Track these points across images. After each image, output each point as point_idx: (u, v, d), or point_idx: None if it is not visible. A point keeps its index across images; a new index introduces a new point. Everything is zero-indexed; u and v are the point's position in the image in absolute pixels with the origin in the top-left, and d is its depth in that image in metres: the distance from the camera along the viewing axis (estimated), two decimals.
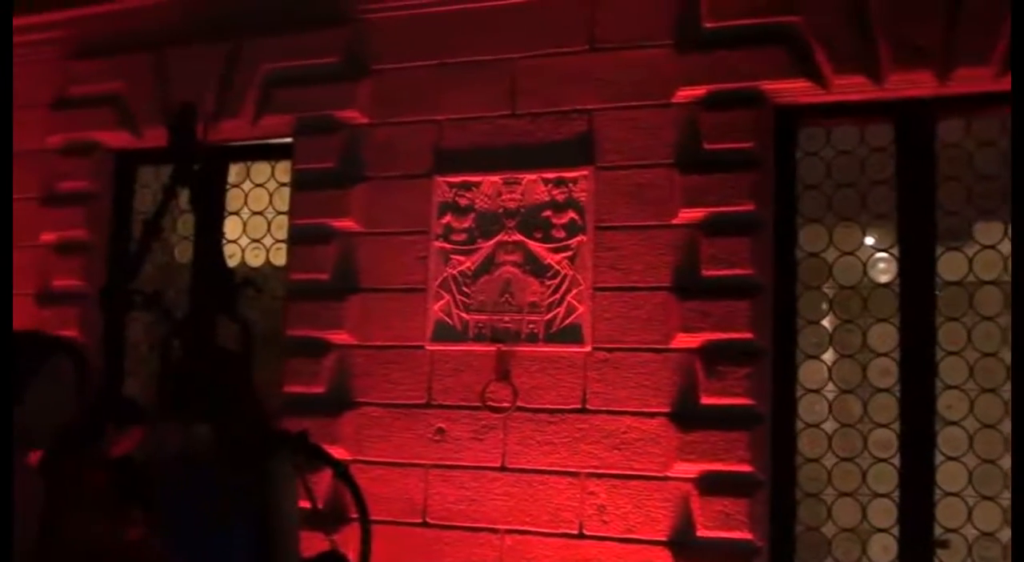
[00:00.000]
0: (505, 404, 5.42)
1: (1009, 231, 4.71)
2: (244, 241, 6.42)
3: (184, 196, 4.91)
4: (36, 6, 6.71)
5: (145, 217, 6.06)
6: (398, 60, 5.89)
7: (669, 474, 5.11)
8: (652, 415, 5.18)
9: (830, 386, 5.12)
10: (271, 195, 6.41)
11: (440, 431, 5.58)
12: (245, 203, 6.44)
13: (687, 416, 5.08)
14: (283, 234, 6.28)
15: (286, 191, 6.29)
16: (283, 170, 6.33)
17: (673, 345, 5.17)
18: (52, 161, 6.75)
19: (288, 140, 6.17)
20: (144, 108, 6.43)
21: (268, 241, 6.40)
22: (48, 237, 6.71)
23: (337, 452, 5.41)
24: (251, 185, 6.45)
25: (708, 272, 5.13)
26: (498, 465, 5.43)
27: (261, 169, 6.45)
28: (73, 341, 2.83)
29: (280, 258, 6.29)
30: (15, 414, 2.65)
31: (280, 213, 6.34)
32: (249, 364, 4.64)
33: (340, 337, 5.81)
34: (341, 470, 5.10)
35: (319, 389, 5.78)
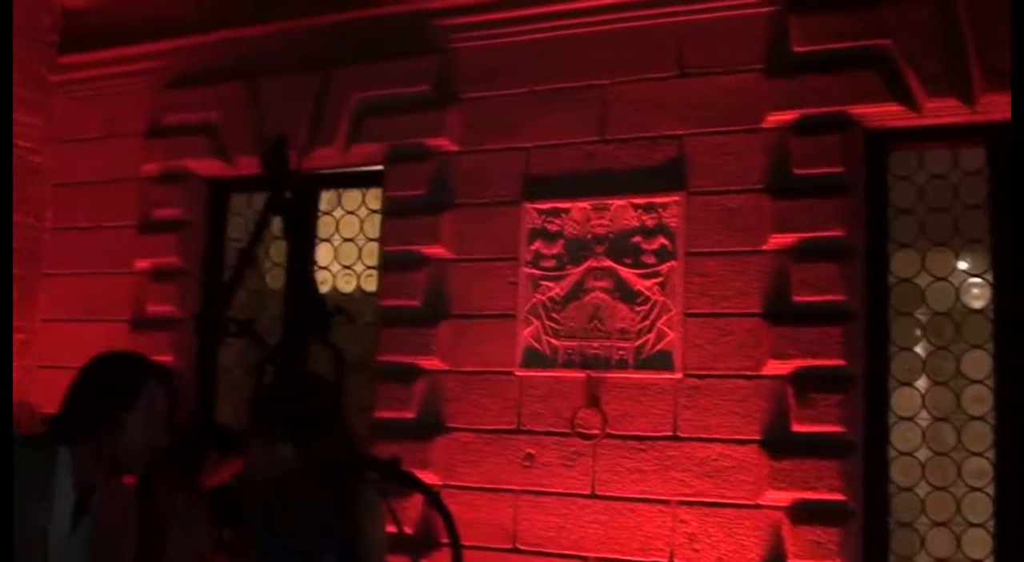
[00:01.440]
0: (595, 431, 5.92)
1: None
2: (335, 267, 7.05)
3: (277, 224, 5.50)
4: (132, 37, 7.53)
5: (239, 245, 6.78)
6: (487, 87, 6.49)
7: (760, 502, 5.54)
8: (743, 442, 5.62)
9: (923, 414, 5.51)
10: (362, 222, 7.06)
11: (529, 457, 6.09)
12: (336, 230, 7.11)
13: (778, 444, 5.52)
14: (374, 260, 6.91)
15: (377, 218, 6.93)
16: (374, 197, 6.97)
17: (764, 372, 5.62)
18: (147, 189, 7.53)
19: (379, 167, 6.79)
20: (237, 137, 7.17)
21: (359, 267, 7.04)
22: (143, 264, 7.47)
23: (427, 477, 5.98)
24: (342, 212, 7.12)
25: (799, 298, 5.57)
26: (588, 492, 5.92)
27: (352, 196, 7.11)
28: (165, 367, 3.29)
29: (371, 284, 6.91)
30: (113, 440, 3.02)
31: (371, 240, 6.98)
32: (341, 390, 5.24)
33: (430, 362, 6.39)
34: (433, 497, 5.65)
35: (409, 414, 6.36)
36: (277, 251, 7.04)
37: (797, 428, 5.49)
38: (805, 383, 5.49)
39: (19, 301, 7.64)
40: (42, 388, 6.94)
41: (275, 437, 3.49)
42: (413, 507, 6.04)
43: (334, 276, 7.09)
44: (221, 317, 5.72)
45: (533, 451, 6.11)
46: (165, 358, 6.94)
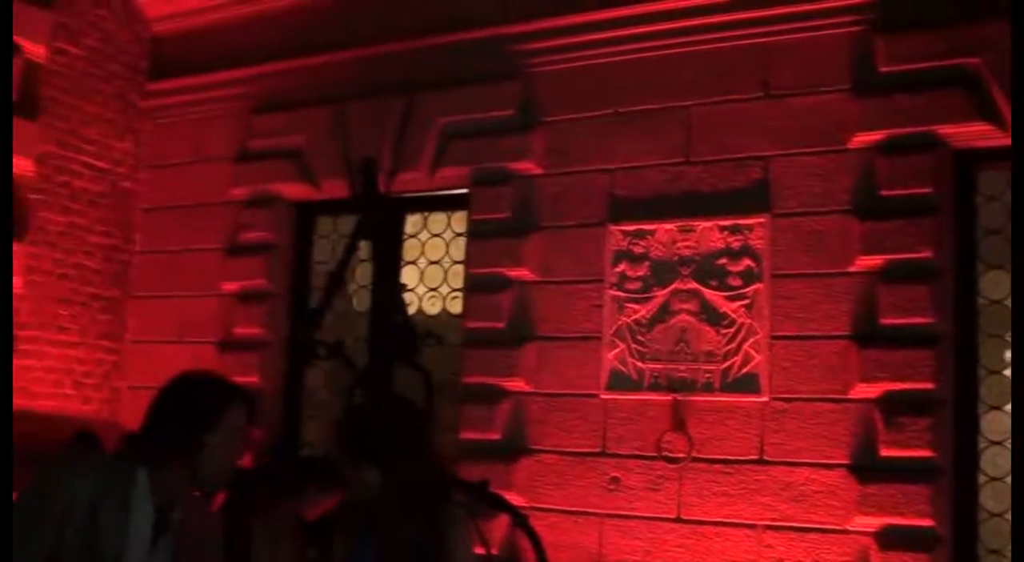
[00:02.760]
0: (680, 454, 6.28)
1: None
2: (421, 290, 7.50)
3: (365, 247, 5.93)
4: (220, 64, 8.13)
5: (325, 267, 7.28)
6: (570, 110, 6.93)
7: (848, 527, 5.85)
8: (830, 467, 5.94)
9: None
10: (447, 245, 7.53)
11: (615, 480, 6.46)
12: (422, 252, 7.58)
13: (866, 468, 5.84)
14: (459, 283, 7.38)
15: (462, 241, 7.39)
16: (459, 220, 7.44)
17: (852, 395, 5.94)
18: (235, 213, 8.15)
19: (464, 190, 7.25)
20: (323, 161, 7.73)
21: (444, 290, 7.51)
22: (230, 286, 8.06)
23: (512, 499, 6.39)
24: (428, 235, 7.62)
25: (887, 320, 5.88)
26: (673, 516, 6.27)
27: (438, 219, 7.63)
28: (247, 388, 3.52)
29: (456, 306, 7.37)
30: (194, 459, 3.20)
31: (456, 262, 7.44)
32: (431, 413, 5.64)
33: (515, 384, 6.82)
34: (521, 520, 6.02)
35: (495, 436, 6.80)
36: (363, 273, 7.50)
37: (885, 452, 5.78)
38: (893, 407, 5.80)
39: (109, 323, 8.32)
40: (132, 409, 7.51)
41: (363, 462, 3.62)
42: (499, 528, 6.42)
43: (420, 298, 7.53)
44: (311, 340, 6.14)
45: (618, 474, 6.47)
46: (251, 380, 7.47)
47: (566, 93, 6.97)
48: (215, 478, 3.35)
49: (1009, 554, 5.62)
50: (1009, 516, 5.66)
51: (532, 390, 6.84)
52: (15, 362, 7.48)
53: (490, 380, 6.92)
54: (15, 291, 7.60)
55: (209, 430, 3.21)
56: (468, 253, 7.29)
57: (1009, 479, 5.69)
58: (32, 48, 7.82)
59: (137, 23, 8.68)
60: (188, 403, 3.27)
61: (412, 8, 7.56)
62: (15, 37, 7.59)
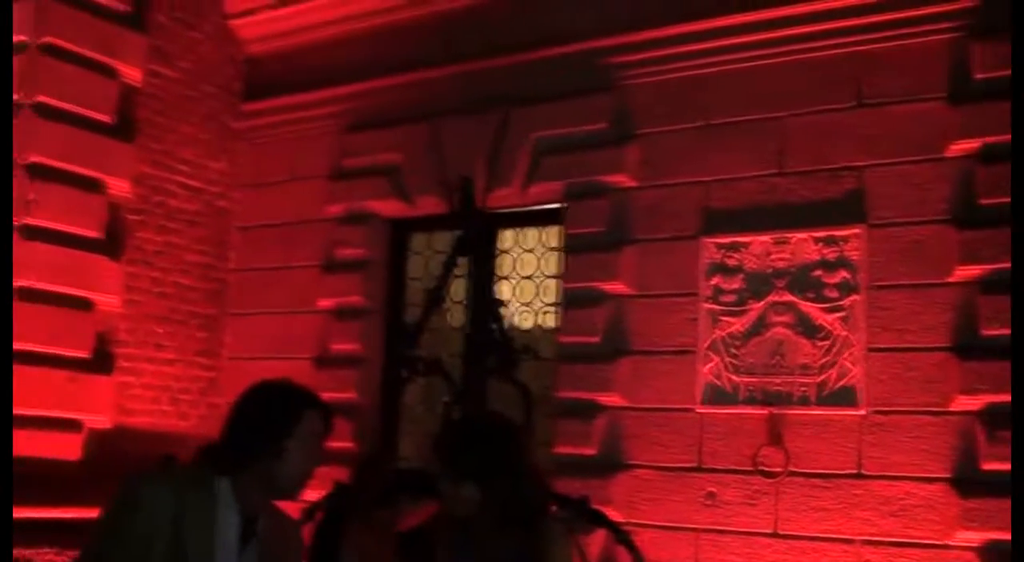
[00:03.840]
0: (777, 468, 6.54)
1: None
2: (514, 305, 7.86)
3: (462, 264, 6.27)
4: (313, 83, 8.64)
5: (420, 284, 7.65)
6: (664, 123, 7.27)
7: (950, 542, 6.07)
8: (930, 480, 6.17)
9: None
10: (540, 259, 7.91)
11: (711, 495, 6.73)
12: (515, 268, 7.95)
13: (968, 482, 6.06)
14: (552, 297, 7.72)
15: (554, 255, 7.74)
16: (552, 235, 7.80)
17: (952, 408, 6.18)
18: (330, 230, 8.59)
19: (556, 205, 7.63)
20: (417, 178, 8.21)
21: (537, 304, 7.85)
22: (326, 303, 8.53)
23: (608, 514, 6.64)
24: (520, 250, 8.00)
25: (988, 331, 6.11)
26: (770, 531, 6.53)
27: (531, 234, 8.01)
28: (319, 396, 3.73)
29: (549, 321, 7.74)
30: (273, 467, 3.36)
31: (549, 277, 7.79)
32: (530, 428, 5.95)
33: (611, 399, 7.15)
34: (623, 536, 6.29)
35: (590, 451, 7.14)
36: (456, 289, 7.87)
37: (986, 466, 5.99)
38: (995, 419, 5.99)
39: (206, 340, 8.83)
40: None
41: (461, 477, 3.63)
42: (595, 543, 6.71)
43: (513, 313, 7.86)
44: (410, 356, 6.49)
45: (715, 489, 6.74)
46: (348, 395, 7.88)
47: (660, 105, 7.32)
48: (295, 485, 3.47)
49: None
50: None
51: (627, 405, 7.16)
52: (114, 379, 8.05)
53: (585, 395, 7.26)
54: (114, 310, 8.16)
55: (287, 436, 3.37)
56: (563, 267, 7.64)
57: None
58: (128, 71, 8.39)
59: (231, 45, 9.23)
60: (265, 410, 3.42)
61: (505, 24, 7.99)
62: (111, 60, 8.19)
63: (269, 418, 3.39)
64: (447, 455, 3.75)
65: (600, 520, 6.30)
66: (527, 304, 7.99)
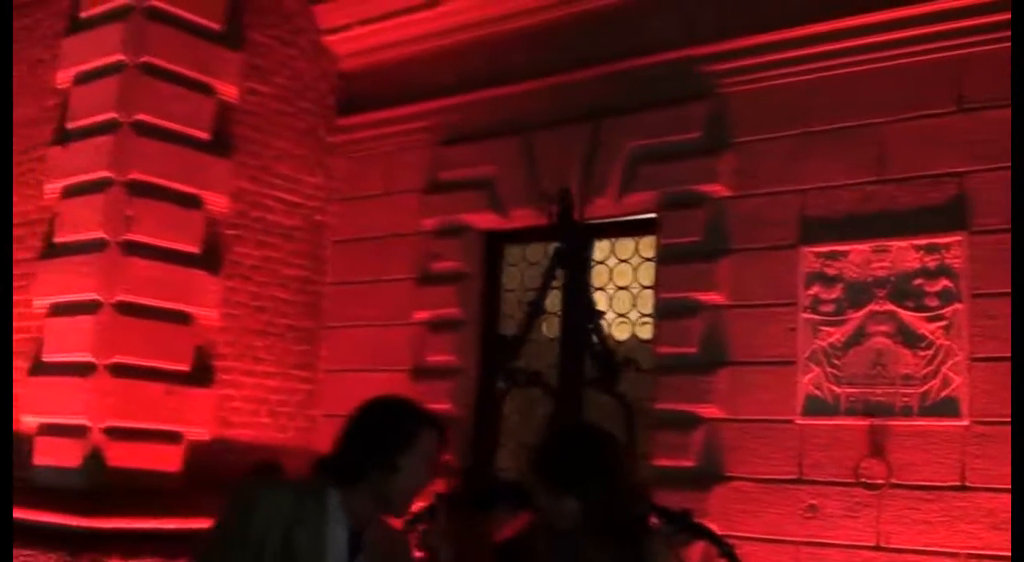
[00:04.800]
0: (879, 480, 6.60)
1: None
2: (610, 316, 8.00)
3: (560, 275, 6.39)
4: (407, 97, 8.93)
5: (519, 296, 7.81)
6: (759, 131, 7.37)
7: None
8: None
9: None
10: (636, 270, 8.01)
11: (812, 508, 6.78)
12: (610, 278, 8.09)
13: None
14: (648, 308, 7.83)
15: (650, 266, 7.86)
16: (647, 245, 7.94)
17: None
18: (425, 243, 8.82)
19: (651, 215, 7.74)
20: (511, 190, 8.44)
21: (634, 315, 7.99)
22: (422, 315, 8.78)
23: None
24: (616, 261, 8.12)
25: None
26: (872, 544, 6.58)
27: (626, 245, 8.18)
28: (436, 414, 3.82)
29: (645, 332, 7.85)
30: (386, 481, 3.43)
31: (645, 287, 7.90)
32: (632, 441, 6.06)
33: (709, 410, 7.27)
34: (727, 549, 6.37)
35: (688, 462, 7.26)
36: (551, 301, 7.98)
37: None
38: None
39: (303, 353, 9.10)
40: (327, 437, 8.15)
41: (559, 488, 3.70)
42: (694, 555, 6.79)
43: (609, 324, 8.00)
44: (510, 367, 6.62)
45: (815, 501, 6.80)
46: (444, 406, 8.09)
47: (755, 113, 7.43)
48: (404, 500, 3.52)
49: None
50: None
51: (726, 416, 7.27)
52: (214, 392, 8.33)
53: (683, 406, 7.38)
54: (213, 324, 8.45)
55: (402, 452, 3.44)
56: (658, 278, 7.78)
57: None
58: (224, 88, 8.73)
59: (326, 60, 9.53)
60: (381, 425, 3.49)
61: (598, 35, 8.16)
62: (207, 78, 8.51)
63: (384, 433, 3.47)
64: (545, 466, 3.84)
65: (703, 533, 6.38)
66: (623, 315, 8.12)
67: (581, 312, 6.70)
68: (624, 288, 8.16)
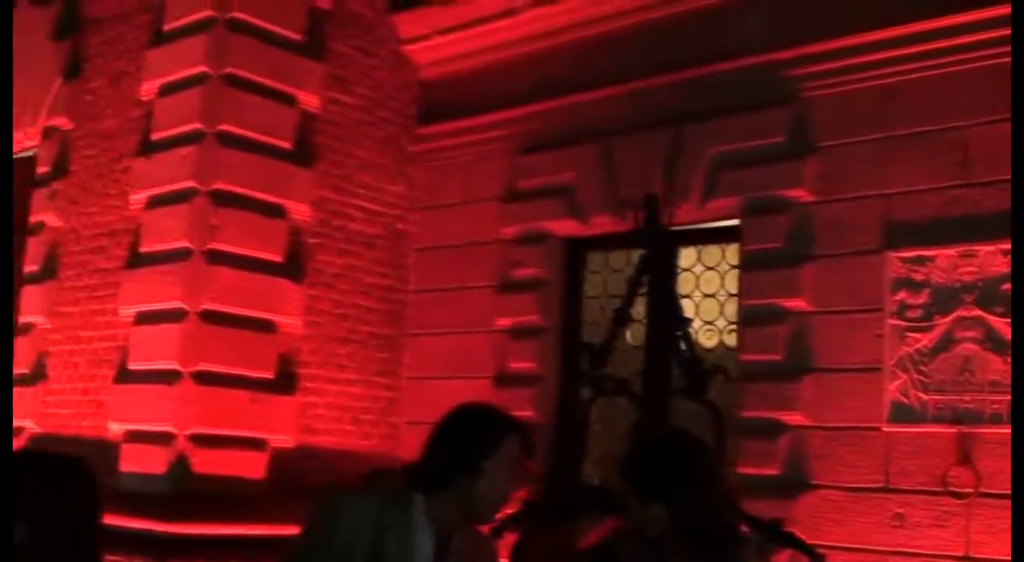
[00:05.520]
0: (967, 489, 6.57)
1: None
2: (697, 323, 8.08)
3: (646, 282, 6.42)
4: (487, 106, 9.10)
5: (605, 304, 7.86)
6: (843, 135, 7.37)
7: None
8: None
9: None
10: (723, 277, 8.08)
11: (899, 517, 6.75)
12: (697, 286, 8.18)
13: None
14: (735, 315, 7.81)
15: (737, 273, 7.92)
16: (734, 253, 8.01)
17: None
18: (506, 250, 8.94)
19: (737, 222, 7.83)
20: (592, 197, 8.52)
21: (721, 323, 8.05)
22: (503, 322, 8.88)
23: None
24: (702, 268, 8.21)
25: None
26: (961, 554, 6.57)
27: (712, 252, 8.24)
28: (519, 420, 3.85)
29: (733, 340, 7.93)
30: (471, 487, 3.46)
31: (732, 295, 8.00)
32: (722, 449, 6.07)
33: (794, 418, 7.30)
34: (818, 559, 6.34)
35: (773, 471, 7.27)
36: (636, 308, 8.03)
37: None
38: None
39: (385, 360, 9.24)
40: (409, 444, 8.29)
41: (647, 494, 3.68)
42: None
43: (696, 332, 8.03)
44: (597, 375, 6.67)
45: (902, 510, 6.76)
46: (526, 414, 8.15)
47: (839, 117, 7.44)
48: (490, 507, 3.56)
49: None
50: None
51: (812, 424, 7.27)
52: (297, 399, 8.48)
53: (768, 413, 7.40)
54: (296, 332, 8.61)
55: (486, 457, 3.47)
56: (741, 284, 7.83)
57: None
58: (306, 98, 8.91)
59: (406, 70, 9.69)
60: (467, 431, 3.53)
61: (679, 40, 8.21)
62: (290, 88, 8.68)
63: (470, 439, 3.51)
64: (633, 471, 3.82)
65: (794, 543, 6.38)
66: (710, 323, 8.17)
67: (668, 319, 6.73)
68: (711, 296, 8.19)
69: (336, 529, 3.37)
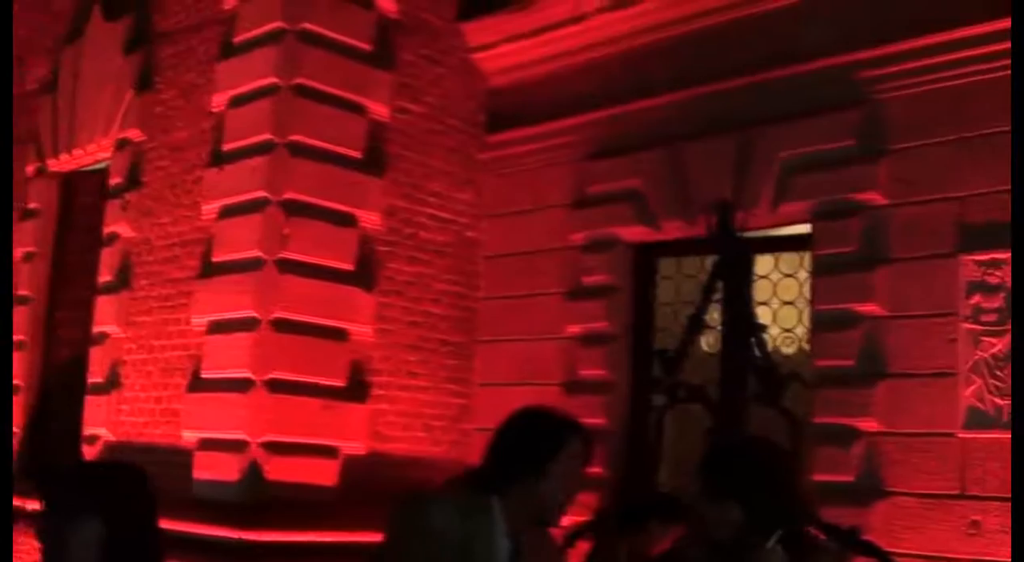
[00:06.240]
0: None
1: None
2: (775, 331, 8.11)
3: (720, 288, 6.44)
4: (555, 112, 9.19)
5: (677, 310, 7.88)
6: (916, 137, 7.36)
7: None
8: None
9: None
10: (801, 285, 8.14)
11: (975, 524, 6.70)
12: (774, 293, 8.22)
13: None
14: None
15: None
16: (810, 260, 7.87)
17: None
18: (575, 257, 9.00)
19: (807, 226, 7.80)
20: (662, 202, 8.56)
21: (800, 330, 8.08)
22: (573, 329, 8.94)
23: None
24: (779, 275, 8.26)
25: None
26: None
27: (790, 259, 8.24)
28: (582, 423, 3.90)
29: None
30: (537, 489, 3.52)
31: (811, 302, 7.87)
32: (799, 456, 6.07)
33: (868, 424, 7.28)
34: None
35: (847, 477, 7.24)
36: (711, 315, 8.05)
37: None
38: None
39: (456, 367, 9.36)
40: (480, 451, 8.32)
41: (727, 499, 3.72)
42: None
43: (774, 339, 8.02)
44: (672, 382, 6.71)
45: (978, 518, 6.71)
46: (597, 421, 8.19)
47: (912, 119, 7.42)
48: (556, 508, 3.60)
49: None
50: None
51: (886, 430, 7.25)
52: (369, 406, 8.59)
53: (842, 420, 7.37)
54: (367, 339, 8.72)
55: (551, 459, 3.52)
56: (813, 289, 7.82)
57: None
58: (376, 108, 9.04)
59: (474, 78, 9.81)
60: (531, 433, 3.59)
61: (745, 43, 8.24)
62: (359, 98, 8.82)
63: (534, 441, 3.56)
64: (712, 474, 3.88)
65: (872, 551, 6.36)
66: (789, 330, 8.16)
67: (743, 326, 6.73)
68: (790, 303, 8.18)
69: (424, 536, 3.39)
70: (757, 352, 6.88)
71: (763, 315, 8.12)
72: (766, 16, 8.14)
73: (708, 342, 8.19)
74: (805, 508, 4.36)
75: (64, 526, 3.29)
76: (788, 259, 8.25)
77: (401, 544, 3.48)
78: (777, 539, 3.69)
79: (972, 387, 6.91)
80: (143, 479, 3.47)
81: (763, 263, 8.32)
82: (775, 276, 8.28)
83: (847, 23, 7.75)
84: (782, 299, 8.22)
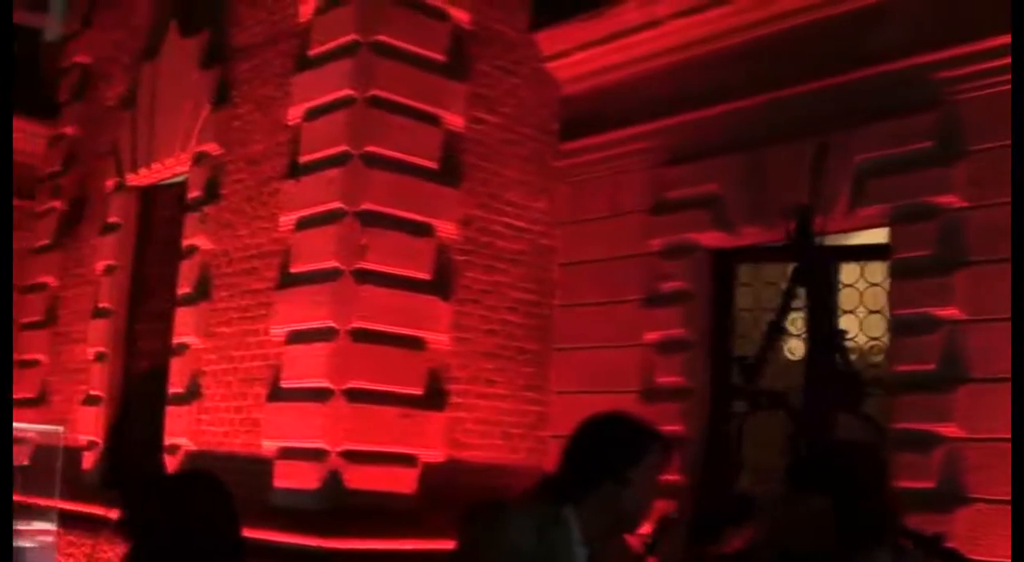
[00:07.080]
0: None
1: None
2: (862, 339, 8.14)
3: (802, 295, 6.46)
4: (629, 119, 9.27)
5: (757, 316, 7.93)
6: (994, 138, 7.34)
7: None
8: None
9: None
10: (888, 295, 8.04)
11: None
12: (861, 301, 8.23)
13: None
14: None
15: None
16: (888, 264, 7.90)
17: None
18: (652, 263, 9.11)
19: (887, 236, 7.82)
20: (740, 207, 8.63)
21: (887, 339, 8.05)
22: (651, 336, 9.04)
23: None
24: (866, 284, 8.26)
25: None
26: None
27: (875, 269, 8.22)
28: (661, 431, 3.89)
29: None
30: (618, 495, 3.44)
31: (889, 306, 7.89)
32: (882, 460, 6.10)
33: (949, 429, 7.29)
34: None
35: (928, 484, 7.25)
36: (794, 322, 8.07)
37: None
38: None
39: (533, 375, 9.47)
40: (557, 458, 8.42)
41: (811, 488, 3.73)
42: None
43: (861, 348, 8.03)
44: (752, 389, 6.74)
45: None
46: (675, 428, 8.26)
47: (990, 119, 7.40)
48: (636, 515, 3.53)
49: None
50: None
51: (967, 435, 7.25)
52: (447, 414, 8.72)
53: (921, 425, 7.39)
54: (445, 348, 8.87)
55: (632, 465, 3.44)
56: (891, 293, 7.84)
57: None
58: (451, 119, 9.21)
59: (547, 86, 9.96)
60: (611, 439, 3.50)
61: (820, 47, 8.30)
62: (434, 109, 8.98)
63: (614, 447, 3.49)
64: (804, 473, 3.90)
65: (956, 559, 6.34)
66: (876, 339, 8.18)
67: (825, 333, 6.75)
68: (876, 312, 8.19)
69: (501, 552, 3.37)
70: (839, 358, 6.89)
71: (851, 323, 8.11)
72: (841, 18, 8.18)
73: (789, 348, 8.21)
74: (893, 508, 4.37)
75: (146, 538, 3.40)
76: (873, 269, 8.24)
77: (474, 549, 3.50)
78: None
79: None
80: (220, 489, 3.56)
81: (848, 272, 8.31)
82: (861, 285, 8.27)
83: (923, 24, 7.78)
84: (868, 308, 8.21)
